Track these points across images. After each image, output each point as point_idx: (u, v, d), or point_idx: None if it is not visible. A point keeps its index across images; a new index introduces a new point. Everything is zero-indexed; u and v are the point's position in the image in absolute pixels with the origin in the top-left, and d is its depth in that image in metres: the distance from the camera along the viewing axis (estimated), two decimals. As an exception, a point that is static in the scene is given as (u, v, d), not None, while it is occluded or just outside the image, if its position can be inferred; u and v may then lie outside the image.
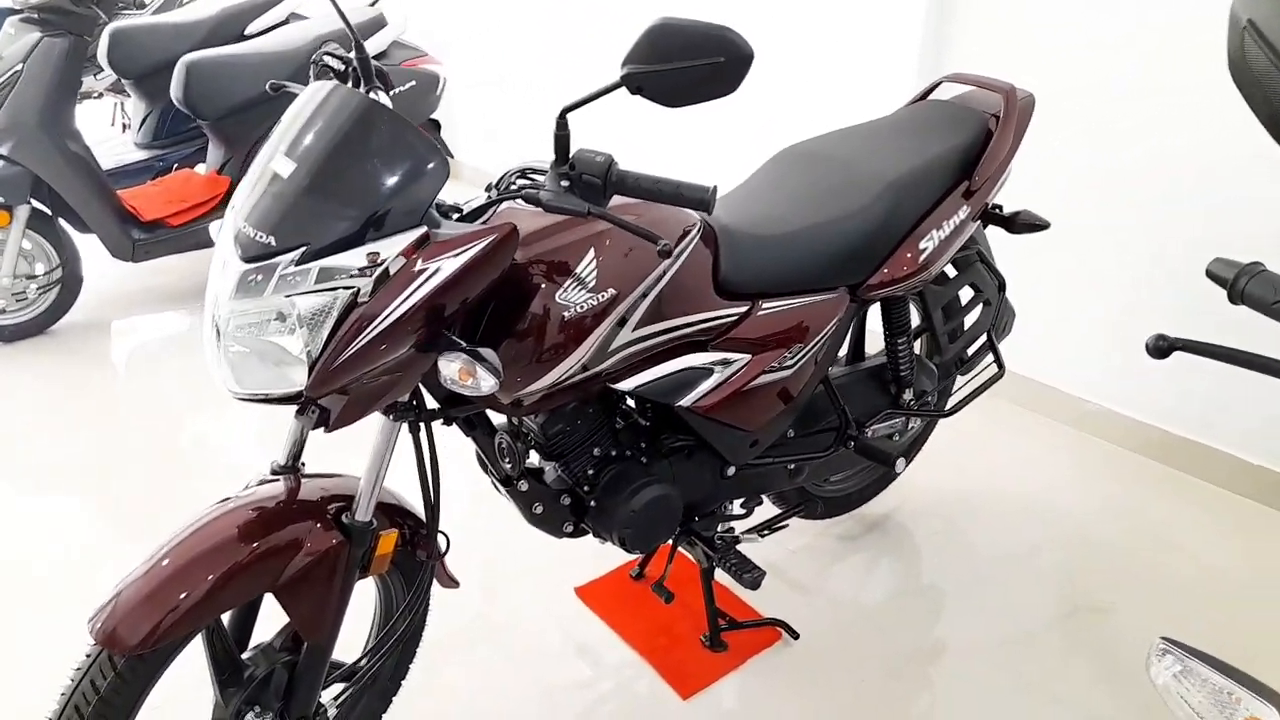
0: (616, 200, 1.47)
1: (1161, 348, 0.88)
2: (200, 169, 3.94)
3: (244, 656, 1.46)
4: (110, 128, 6.17)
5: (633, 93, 1.18)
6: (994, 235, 2.68)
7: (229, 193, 3.70)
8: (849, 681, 1.96)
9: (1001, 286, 2.20)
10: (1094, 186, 2.70)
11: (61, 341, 3.46)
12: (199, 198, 3.62)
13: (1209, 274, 0.90)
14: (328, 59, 1.42)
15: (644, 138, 4.11)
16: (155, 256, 3.57)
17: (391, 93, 1.45)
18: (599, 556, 2.29)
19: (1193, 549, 2.38)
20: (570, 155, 1.25)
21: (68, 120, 3.30)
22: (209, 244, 3.72)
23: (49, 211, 3.35)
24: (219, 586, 1.26)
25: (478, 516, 2.44)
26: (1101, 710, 1.89)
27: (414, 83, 3.86)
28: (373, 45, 3.88)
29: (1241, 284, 0.85)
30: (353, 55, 1.46)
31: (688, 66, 1.13)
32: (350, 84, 1.46)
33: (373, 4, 4.16)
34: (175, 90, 3.51)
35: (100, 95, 5.57)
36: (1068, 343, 2.88)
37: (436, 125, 4.16)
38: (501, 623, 2.11)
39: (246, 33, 4.13)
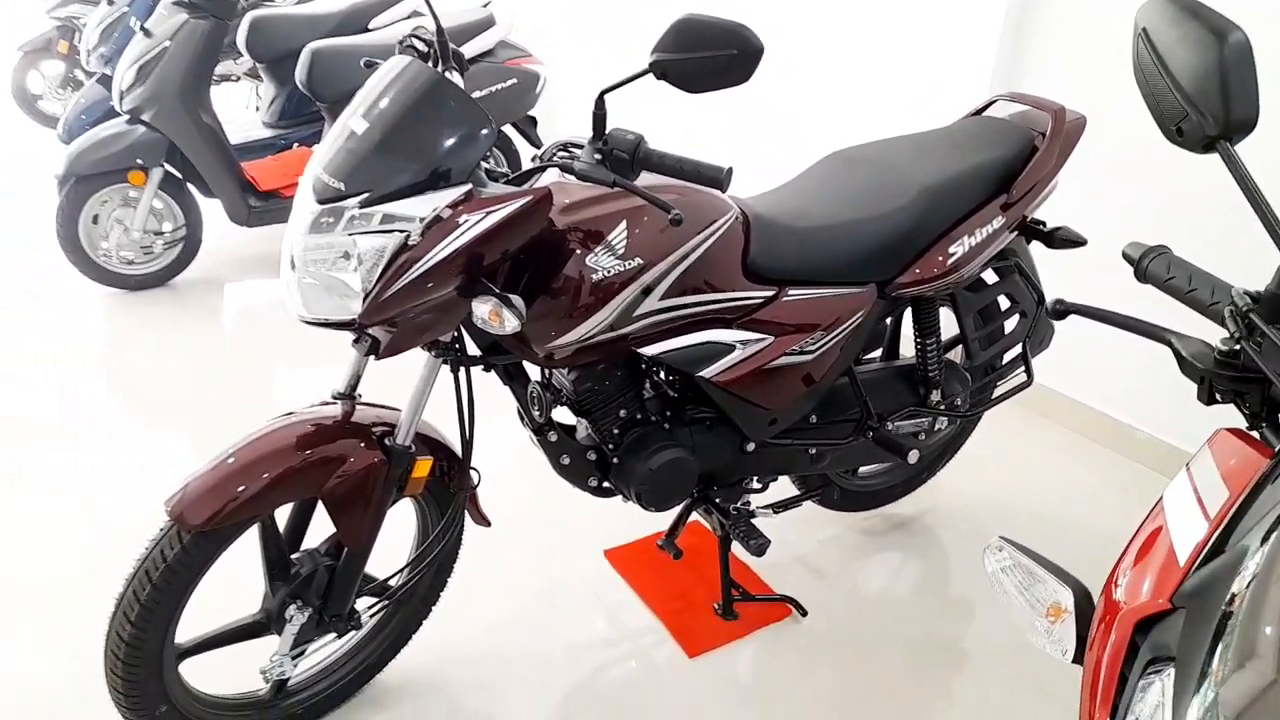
0: (658, 180, 1.63)
1: (1059, 310, 0.98)
2: (316, 148, 4.27)
3: (293, 557, 1.67)
4: (246, 109, 6.68)
5: (658, 77, 1.33)
6: (1046, 256, 2.73)
7: (338, 170, 4.01)
8: (853, 664, 2.05)
9: (1040, 300, 2.25)
10: (1148, 208, 2.71)
11: (179, 294, 3.83)
12: (311, 173, 3.94)
13: (1124, 255, 0.99)
14: (414, 39, 1.62)
15: (713, 139, 4.25)
16: (267, 224, 3.91)
17: (466, 73, 1.64)
18: (629, 523, 2.44)
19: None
20: (605, 132, 1.41)
21: (203, 95, 3.66)
22: (316, 216, 4.05)
23: (179, 176, 3.72)
24: (273, 484, 1.47)
25: (526, 472, 2.62)
26: None
27: (514, 81, 4.10)
28: (480, 43, 4.13)
29: (1145, 263, 0.95)
30: (434, 38, 1.66)
31: (706, 57, 1.29)
32: (430, 62, 1.65)
33: (486, 4, 4.44)
34: (300, 74, 3.84)
35: (239, 79, 6.04)
36: (1122, 368, 2.89)
37: (533, 121, 4.39)
38: (531, 570, 2.28)
39: (370, 26, 4.46)
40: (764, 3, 3.80)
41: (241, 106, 6.76)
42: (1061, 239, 2.11)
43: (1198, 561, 0.71)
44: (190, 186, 3.78)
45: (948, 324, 2.14)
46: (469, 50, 4.11)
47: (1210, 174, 2.57)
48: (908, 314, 2.27)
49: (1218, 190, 2.56)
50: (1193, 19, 0.86)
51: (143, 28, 3.67)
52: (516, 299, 1.39)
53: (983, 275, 2.20)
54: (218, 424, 2.89)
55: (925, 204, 1.92)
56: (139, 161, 3.54)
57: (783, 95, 3.85)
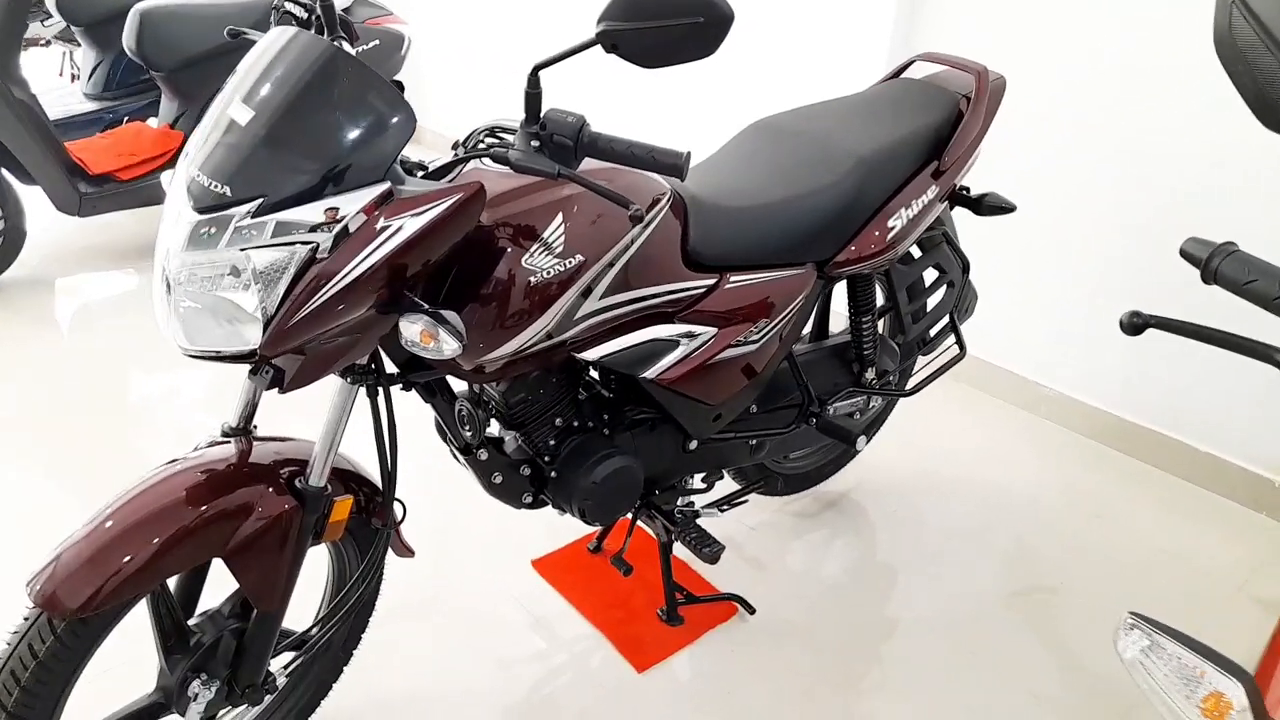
0: (587, 164, 1.43)
1: (1136, 324, 0.88)
2: (152, 122, 3.81)
3: (190, 623, 1.42)
4: (59, 78, 5.96)
5: (607, 51, 1.15)
6: (960, 217, 2.70)
7: (182, 147, 3.58)
8: (804, 655, 1.97)
9: (966, 268, 2.20)
10: (1062, 170, 2.72)
11: (3, 298, 3.34)
12: (150, 152, 3.50)
13: (1183, 253, 0.90)
14: (290, 6, 1.37)
15: (613, 106, 4.06)
16: (102, 212, 3.45)
17: (356, 41, 1.40)
18: (555, 529, 2.28)
19: (1144, 533, 2.43)
20: (541, 115, 1.22)
21: (13, 66, 3.16)
22: (159, 200, 3.61)
23: (-9, 161, 3.22)
24: (164, 550, 1.22)
25: (431, 487, 2.40)
26: (1049, 687, 1.93)
27: (377, 42, 3.77)
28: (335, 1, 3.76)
29: (1215, 264, 0.85)
30: (316, 3, 1.40)
31: (666, 25, 1.10)
32: (316, 33, 1.40)
33: (336, -41, 4.05)
34: (128, 39, 3.39)
35: (48, 43, 5.37)
36: (1027, 327, 2.91)
37: (400, 86, 4.03)
38: (456, 593, 2.09)
39: (204, -17, 3.99)
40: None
41: (54, 74, 6.03)
42: (989, 205, 2.06)
43: None
44: (4, 174, 3.28)
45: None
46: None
47: (1119, 129, 2.58)
48: (837, 289, 2.18)
49: (1128, 149, 2.58)
50: None
51: (-72, -12, 3.13)
52: (452, 315, 1.19)
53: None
54: (67, 458, 2.51)
55: (861, 176, 1.81)
56: (-61, 148, 3.04)
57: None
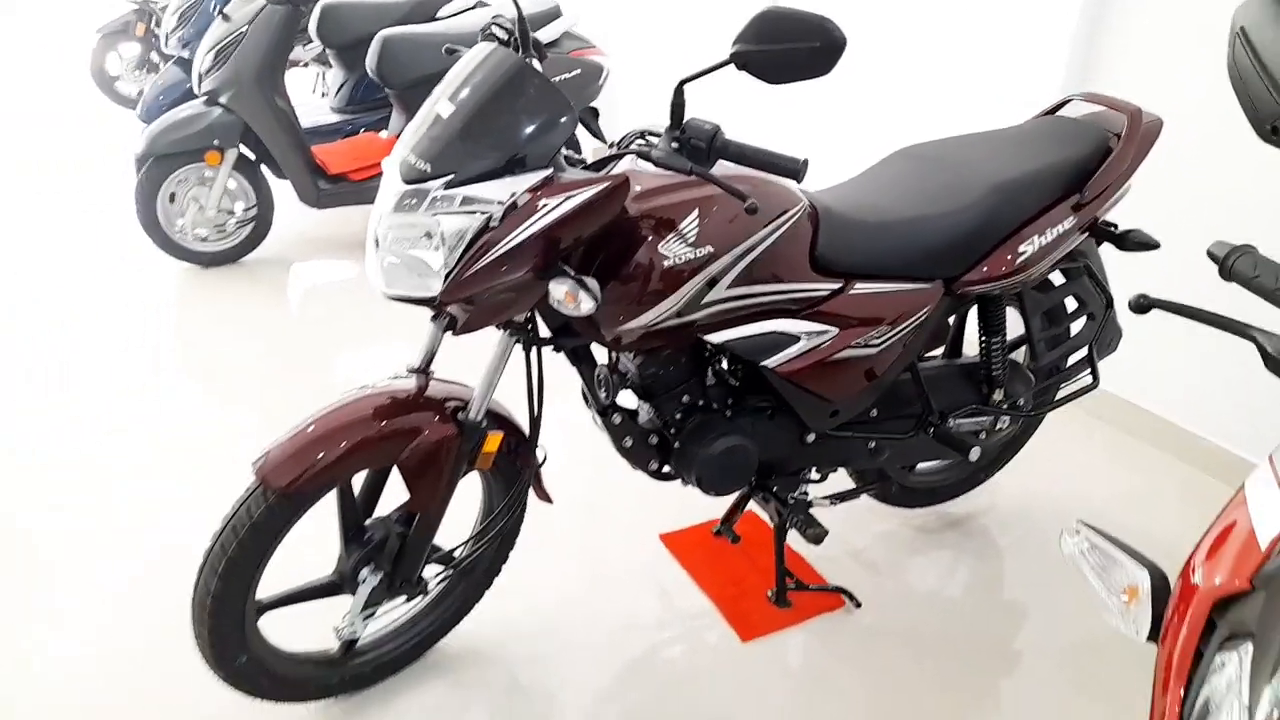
0: (732, 169, 1.65)
1: (1142, 305, 0.99)
2: (383, 134, 4.37)
3: (366, 523, 1.73)
4: (311, 95, 6.83)
5: (739, 68, 1.36)
6: (1116, 258, 2.70)
7: (405, 156, 4.10)
8: (903, 658, 2.06)
9: (1109, 304, 2.23)
10: (1221, 213, 2.66)
11: (249, 272, 3.95)
12: (379, 158, 4.04)
13: (1209, 254, 1.00)
14: (494, 28, 1.67)
15: (780, 133, 4.26)
16: (336, 206, 4.02)
17: (544, 60, 1.68)
18: (687, 507, 2.48)
19: None
20: (683, 121, 1.44)
21: (279, 80, 3.78)
22: (382, 199, 4.14)
23: (253, 157, 3.84)
24: (352, 451, 1.53)
25: (583, 456, 2.67)
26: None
27: (578, 71, 4.14)
28: (546, 34, 4.19)
29: (1230, 261, 0.95)
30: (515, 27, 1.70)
31: (788, 49, 1.31)
32: (511, 49, 1.70)
33: (552, -4, 4.49)
34: (370, 61, 3.93)
35: (306, 64, 6.19)
36: (1186, 375, 2.84)
37: (595, 113, 4.43)
38: (590, 549, 2.33)
39: (438, 15, 4.55)
40: (831, -3, 3.79)
41: (308, 91, 6.93)
42: (1134, 241, 2.09)
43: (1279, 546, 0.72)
44: (263, 168, 3.90)
45: (1014, 324, 2.13)
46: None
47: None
48: (973, 312, 2.27)
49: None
50: None
51: (222, 13, 3.79)
52: (592, 281, 1.43)
53: (1051, 276, 2.19)
54: (284, 396, 2.99)
55: (995, 201, 1.92)
56: (215, 142, 3.66)
57: (851, 92, 3.84)
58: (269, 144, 3.76)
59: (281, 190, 4.01)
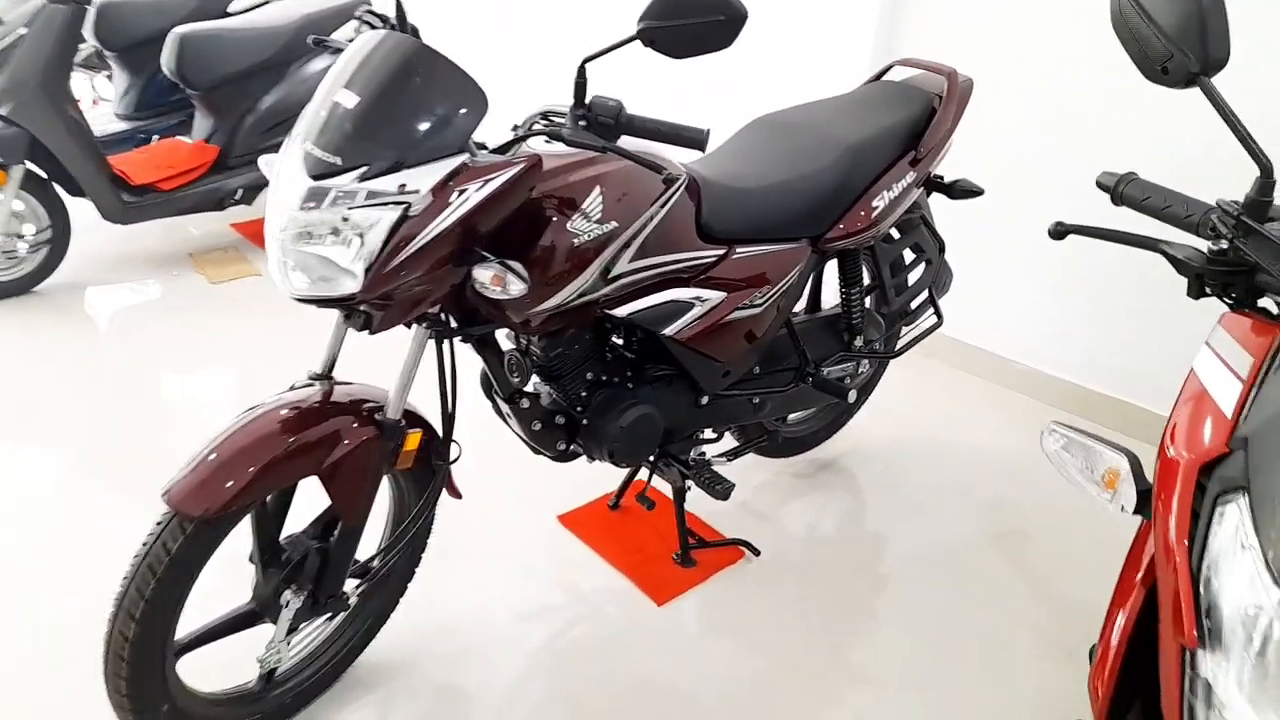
0: (628, 144, 1.70)
1: (1060, 231, 1.14)
2: (183, 139, 4.06)
3: (282, 540, 1.66)
4: (82, 101, 6.20)
5: (645, 45, 1.41)
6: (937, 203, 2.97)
7: (216, 161, 3.84)
8: (804, 589, 2.22)
9: (941, 248, 2.47)
10: (1031, 161, 3.00)
11: (47, 300, 3.58)
12: (187, 164, 3.76)
13: (1098, 184, 1.16)
14: (369, 17, 1.62)
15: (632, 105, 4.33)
16: (144, 219, 3.70)
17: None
18: (579, 487, 2.52)
19: (1106, 488, 2.69)
20: (587, 100, 1.48)
21: (65, 86, 3.42)
22: (196, 209, 3.86)
23: (43, 174, 3.46)
24: (275, 464, 1.46)
25: (472, 449, 2.64)
26: (1022, 606, 2.18)
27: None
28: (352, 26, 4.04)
29: (1120, 189, 1.12)
30: (392, 15, 1.66)
31: (692, 23, 1.37)
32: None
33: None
34: (168, 61, 3.65)
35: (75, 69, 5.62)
36: (1001, 308, 3.18)
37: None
38: (488, 541, 2.33)
39: (229, 10, 4.26)
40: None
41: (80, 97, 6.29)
42: (961, 190, 2.33)
43: (1244, 410, 0.87)
44: (54, 186, 3.53)
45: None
46: (341, 35, 4.01)
47: (1082, 125, 2.87)
48: (829, 267, 2.44)
49: (1091, 143, 2.87)
50: None
51: (-12, 15, 3.38)
52: (516, 264, 1.44)
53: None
54: (117, 433, 2.74)
55: (850, 161, 2.08)
56: (-2, 160, 3.28)
57: (690, 70, 3.95)
58: (62, 158, 3.40)
59: (76, 206, 3.63)
